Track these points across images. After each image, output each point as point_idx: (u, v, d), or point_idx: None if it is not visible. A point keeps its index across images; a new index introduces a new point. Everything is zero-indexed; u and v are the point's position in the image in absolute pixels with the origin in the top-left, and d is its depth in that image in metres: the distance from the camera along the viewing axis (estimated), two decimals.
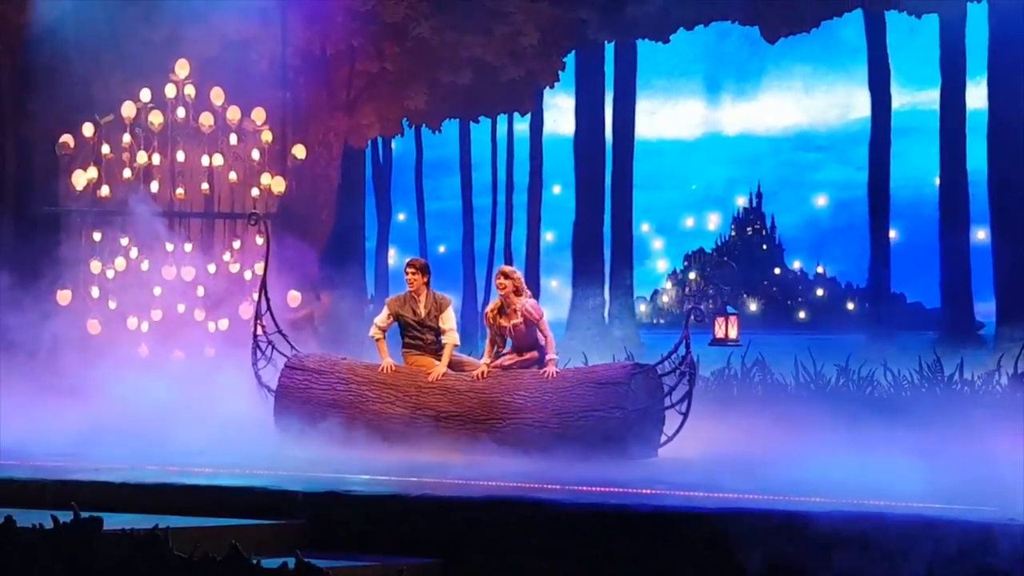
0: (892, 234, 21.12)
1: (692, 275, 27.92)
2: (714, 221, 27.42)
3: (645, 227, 25.13)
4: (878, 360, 14.27)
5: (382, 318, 10.38)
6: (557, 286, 23.91)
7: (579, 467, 8.74)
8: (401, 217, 26.31)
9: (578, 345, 18.93)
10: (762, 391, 13.58)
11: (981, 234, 19.87)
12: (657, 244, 26.95)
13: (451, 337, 10.25)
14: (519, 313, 9.94)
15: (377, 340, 10.35)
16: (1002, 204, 18.89)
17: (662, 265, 27.51)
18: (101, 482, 7.89)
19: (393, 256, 26.20)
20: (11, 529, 5.30)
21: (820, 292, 27.02)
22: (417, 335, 10.26)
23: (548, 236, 24.20)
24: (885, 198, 20.89)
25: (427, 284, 10.31)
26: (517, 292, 10.03)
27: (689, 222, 27.02)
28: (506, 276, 10.09)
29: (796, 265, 28.02)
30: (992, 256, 19.16)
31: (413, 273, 10.29)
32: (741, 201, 27.43)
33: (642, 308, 25.91)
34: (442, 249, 26.33)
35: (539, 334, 9.97)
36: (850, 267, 25.36)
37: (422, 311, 10.23)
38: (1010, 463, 8.05)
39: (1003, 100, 18.61)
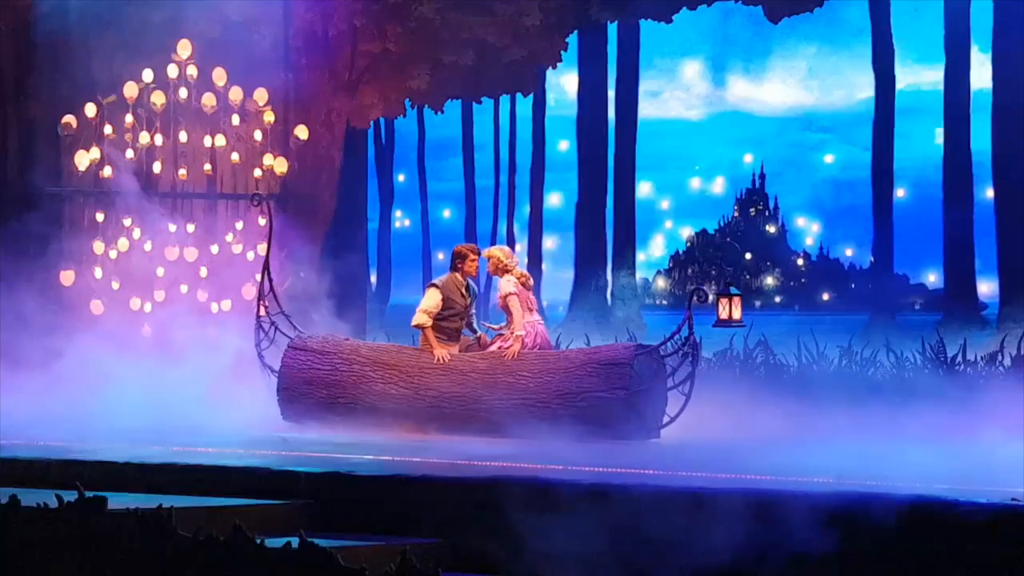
0: (898, 199, 21.05)
1: (695, 255, 27.86)
2: (717, 198, 27.32)
3: (648, 204, 25.05)
4: (881, 341, 14.29)
5: (433, 304, 9.91)
6: (559, 267, 23.88)
7: (582, 448, 8.75)
8: (400, 178, 26.14)
9: (580, 326, 18.96)
10: (765, 372, 13.58)
11: (986, 210, 19.80)
12: (660, 224, 26.89)
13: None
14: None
15: (426, 328, 9.91)
16: (1007, 185, 18.81)
17: (665, 246, 27.45)
18: (105, 461, 7.91)
19: (398, 218, 26.10)
20: (16, 508, 5.32)
21: (823, 272, 26.95)
22: (455, 323, 10.05)
23: (552, 200, 24.10)
24: (889, 179, 20.83)
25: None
26: (499, 270, 10.01)
27: (692, 202, 26.94)
28: (487, 258, 10.08)
29: (799, 245, 27.96)
30: (996, 237, 19.10)
31: (477, 260, 10.01)
32: (746, 164, 27.27)
33: (649, 283, 25.87)
34: (447, 214, 26.26)
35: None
36: (853, 247, 25.33)
37: (468, 298, 10.11)
38: (1012, 445, 8.06)
39: (1008, 80, 18.52)
